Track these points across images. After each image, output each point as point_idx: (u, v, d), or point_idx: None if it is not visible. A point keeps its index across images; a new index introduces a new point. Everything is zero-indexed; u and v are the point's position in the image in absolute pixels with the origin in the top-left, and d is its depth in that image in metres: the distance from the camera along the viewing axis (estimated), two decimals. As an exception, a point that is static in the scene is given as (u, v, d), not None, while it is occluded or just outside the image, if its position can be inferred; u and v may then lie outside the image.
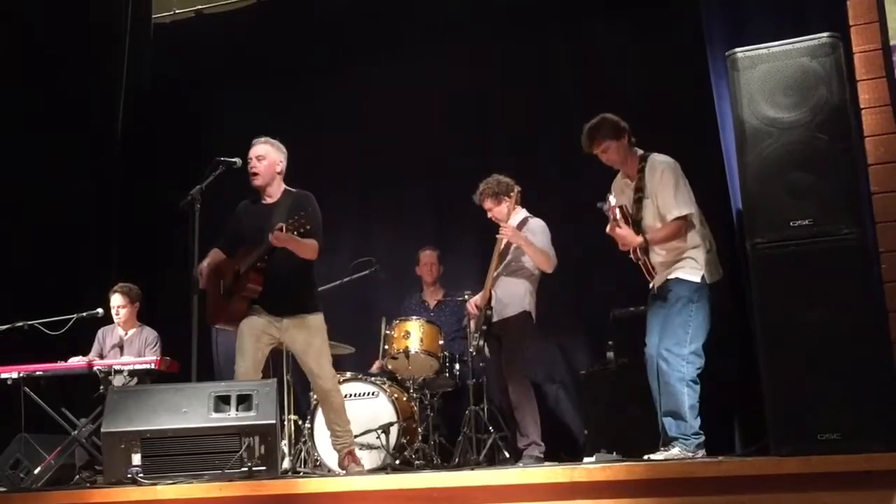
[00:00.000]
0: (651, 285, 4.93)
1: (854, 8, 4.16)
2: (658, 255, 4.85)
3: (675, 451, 4.59)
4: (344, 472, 5.10)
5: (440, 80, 7.27)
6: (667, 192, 4.77)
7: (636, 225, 4.87)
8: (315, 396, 5.82)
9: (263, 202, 5.20)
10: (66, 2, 7.10)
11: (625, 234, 4.83)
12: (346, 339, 6.61)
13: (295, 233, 4.83)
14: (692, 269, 4.74)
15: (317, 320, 5.13)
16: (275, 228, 4.85)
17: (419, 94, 7.25)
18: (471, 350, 5.78)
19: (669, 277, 4.79)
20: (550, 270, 5.73)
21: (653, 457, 4.64)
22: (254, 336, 5.04)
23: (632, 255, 4.91)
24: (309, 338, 5.07)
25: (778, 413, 3.88)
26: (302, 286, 5.12)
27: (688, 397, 4.64)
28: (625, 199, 4.96)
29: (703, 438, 4.65)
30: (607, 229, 4.85)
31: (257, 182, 5.14)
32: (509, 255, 5.78)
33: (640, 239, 4.81)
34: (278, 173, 5.19)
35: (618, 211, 4.83)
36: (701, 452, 4.63)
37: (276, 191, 5.20)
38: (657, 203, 4.80)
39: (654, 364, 4.81)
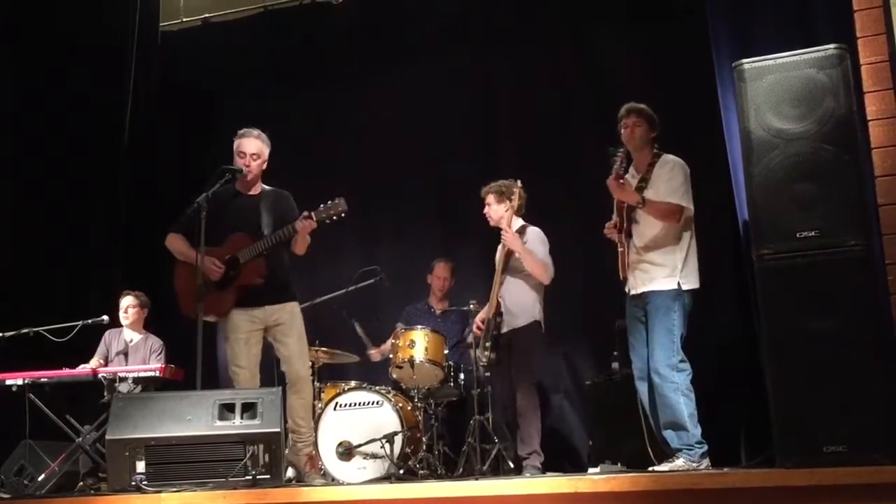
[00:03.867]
0: (626, 288, 4.96)
1: (861, 20, 4.17)
2: (641, 252, 4.88)
3: (679, 463, 4.58)
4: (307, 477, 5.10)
5: (446, 88, 7.27)
6: (675, 182, 4.83)
7: (628, 210, 4.94)
8: (318, 405, 5.82)
9: (246, 194, 5.27)
10: (74, 8, 7.12)
11: (626, 188, 4.87)
12: (351, 347, 6.61)
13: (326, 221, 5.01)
14: (668, 278, 4.78)
15: (297, 307, 5.27)
16: (302, 217, 5.00)
17: (425, 102, 7.25)
18: (483, 362, 5.77)
19: (646, 290, 4.81)
20: (547, 282, 5.74)
21: (657, 468, 4.63)
22: (242, 339, 5.09)
23: (615, 236, 4.97)
24: (292, 320, 5.17)
25: (783, 425, 3.87)
26: (287, 276, 5.28)
27: (685, 406, 4.64)
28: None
29: (706, 448, 4.64)
30: (609, 179, 4.87)
31: (249, 178, 5.22)
32: (512, 263, 5.78)
33: (637, 197, 4.83)
34: (263, 169, 5.31)
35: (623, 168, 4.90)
36: (705, 462, 4.62)
37: (258, 185, 5.32)
38: (661, 189, 4.83)
39: (642, 379, 4.83)
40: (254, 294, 5.10)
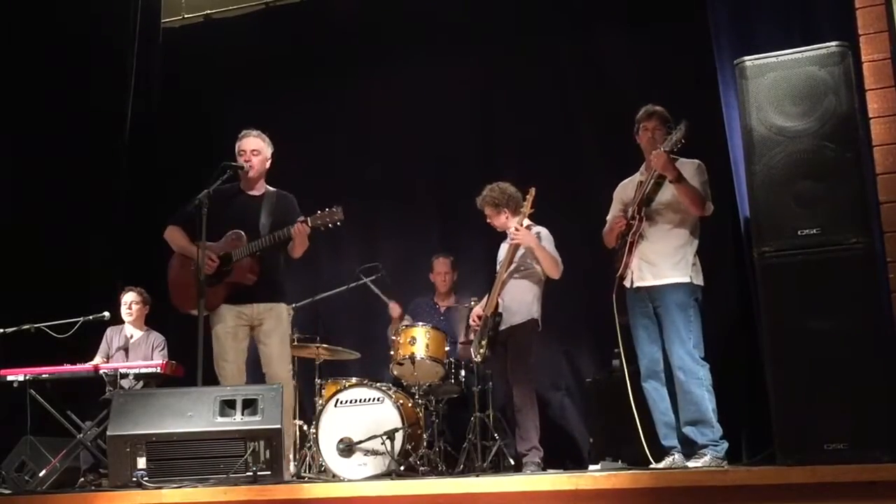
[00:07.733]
0: (628, 282, 4.93)
1: (863, 17, 4.16)
2: (650, 246, 4.87)
3: (707, 459, 4.54)
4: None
5: (447, 85, 7.27)
6: (700, 179, 4.87)
7: (648, 202, 4.91)
8: (319, 402, 5.83)
9: (248, 193, 5.31)
10: (75, 6, 7.12)
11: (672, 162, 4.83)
12: (352, 344, 6.61)
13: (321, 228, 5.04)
14: (683, 272, 4.77)
15: (287, 310, 5.33)
16: (298, 221, 5.05)
17: (426, 99, 7.26)
18: (476, 358, 5.78)
19: (654, 284, 4.79)
20: (558, 276, 5.75)
21: (689, 464, 4.59)
22: (230, 333, 5.15)
23: (622, 228, 4.95)
24: (277, 323, 5.21)
25: (784, 422, 3.87)
26: (282, 277, 5.31)
27: (710, 402, 4.64)
28: (628, 193, 5.06)
29: (727, 445, 4.64)
30: (662, 148, 4.82)
31: (252, 174, 5.27)
32: (516, 261, 5.78)
33: (677, 171, 4.76)
34: (266, 168, 5.34)
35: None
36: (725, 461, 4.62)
37: (260, 185, 5.35)
38: (693, 181, 4.83)
39: (649, 378, 4.82)
40: (244, 291, 5.15)
